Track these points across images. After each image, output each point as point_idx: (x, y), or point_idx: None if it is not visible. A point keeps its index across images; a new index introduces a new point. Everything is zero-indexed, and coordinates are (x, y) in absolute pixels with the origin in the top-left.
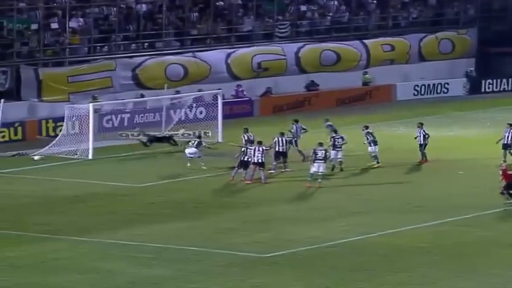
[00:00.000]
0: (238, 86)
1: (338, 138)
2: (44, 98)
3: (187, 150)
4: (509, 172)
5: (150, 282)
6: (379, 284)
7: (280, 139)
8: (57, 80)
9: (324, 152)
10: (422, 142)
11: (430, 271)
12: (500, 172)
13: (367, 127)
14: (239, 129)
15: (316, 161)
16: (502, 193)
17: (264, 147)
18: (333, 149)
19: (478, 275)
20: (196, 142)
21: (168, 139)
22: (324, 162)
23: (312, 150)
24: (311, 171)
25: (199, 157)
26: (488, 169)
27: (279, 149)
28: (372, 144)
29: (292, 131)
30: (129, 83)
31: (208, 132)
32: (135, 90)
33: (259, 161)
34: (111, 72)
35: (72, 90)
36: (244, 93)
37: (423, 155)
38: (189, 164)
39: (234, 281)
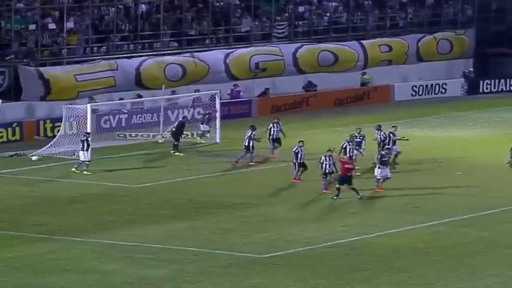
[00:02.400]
0: (235, 85)
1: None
2: (51, 98)
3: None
4: (347, 166)
5: (147, 283)
6: (377, 284)
7: (348, 144)
8: (65, 79)
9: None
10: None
11: (428, 271)
12: (341, 164)
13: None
14: (237, 129)
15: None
16: (337, 188)
17: (333, 157)
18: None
19: (476, 276)
20: None
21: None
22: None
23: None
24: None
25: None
26: (486, 170)
27: (349, 153)
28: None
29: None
30: (131, 83)
31: (206, 133)
32: (133, 91)
33: (330, 171)
34: (113, 71)
35: (80, 90)
36: (241, 93)
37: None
38: None
39: (232, 281)
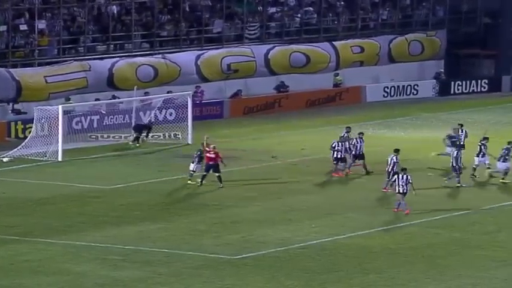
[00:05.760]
0: (197, 87)
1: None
2: (22, 99)
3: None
4: (209, 155)
5: (119, 285)
6: (349, 285)
7: (456, 152)
8: (36, 80)
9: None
10: None
11: (400, 272)
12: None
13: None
14: (209, 131)
15: None
16: (203, 175)
17: (409, 177)
18: (477, 156)
19: (448, 276)
20: None
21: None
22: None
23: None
24: None
25: None
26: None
27: (456, 164)
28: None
29: (459, 134)
30: (103, 84)
31: (178, 134)
32: (106, 92)
33: (404, 191)
34: (86, 72)
35: (52, 91)
36: (204, 94)
37: None
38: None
39: (204, 282)
